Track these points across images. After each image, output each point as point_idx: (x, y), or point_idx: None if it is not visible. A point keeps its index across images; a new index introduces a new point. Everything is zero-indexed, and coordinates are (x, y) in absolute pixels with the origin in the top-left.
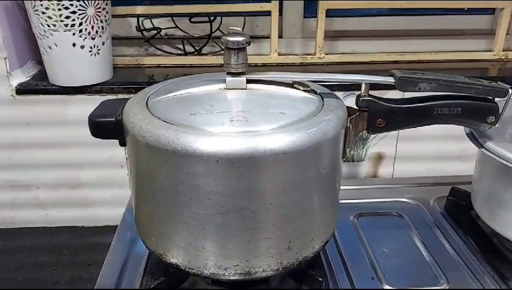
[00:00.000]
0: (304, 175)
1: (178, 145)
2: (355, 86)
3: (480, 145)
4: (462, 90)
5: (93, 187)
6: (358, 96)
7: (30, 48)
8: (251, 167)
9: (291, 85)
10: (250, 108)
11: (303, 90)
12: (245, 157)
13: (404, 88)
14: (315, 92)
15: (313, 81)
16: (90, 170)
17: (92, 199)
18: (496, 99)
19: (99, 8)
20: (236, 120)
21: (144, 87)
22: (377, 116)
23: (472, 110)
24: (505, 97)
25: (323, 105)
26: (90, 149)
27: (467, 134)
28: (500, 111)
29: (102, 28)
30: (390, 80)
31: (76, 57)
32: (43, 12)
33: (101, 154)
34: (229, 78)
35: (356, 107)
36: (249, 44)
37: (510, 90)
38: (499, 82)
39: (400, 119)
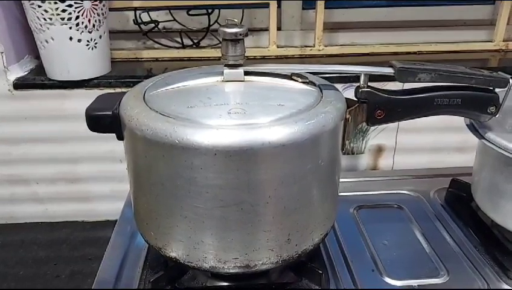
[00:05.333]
0: (303, 168)
1: (176, 139)
2: (355, 78)
3: (480, 136)
4: (463, 81)
5: (93, 182)
6: (358, 87)
7: (27, 42)
8: (249, 160)
9: (289, 77)
10: (248, 100)
11: (301, 82)
12: (243, 150)
13: (403, 79)
14: (314, 84)
15: (311, 73)
16: (89, 164)
17: (91, 194)
18: (497, 89)
19: (96, 1)
20: (234, 112)
21: (142, 81)
22: (376, 108)
23: (472, 101)
24: (505, 87)
25: (321, 97)
26: (89, 143)
27: (467, 125)
28: (500, 101)
29: (99, 21)
30: (389, 70)
31: (73, 50)
32: (39, 6)
33: (100, 148)
34: (226, 70)
35: (355, 99)
36: (247, 35)
37: (511, 80)
38: (499, 72)
39: (399, 111)
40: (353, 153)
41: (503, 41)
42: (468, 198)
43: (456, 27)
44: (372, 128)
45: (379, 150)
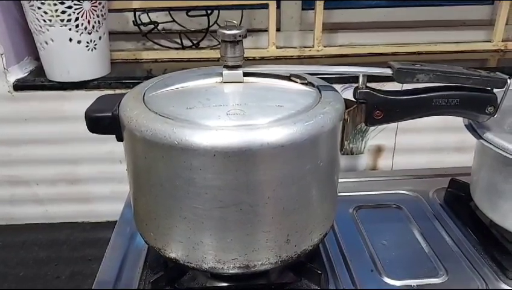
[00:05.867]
0: (302, 168)
1: (175, 140)
2: (354, 78)
3: (479, 137)
4: (460, 81)
5: (93, 183)
6: (356, 88)
7: (27, 43)
8: (248, 161)
9: (288, 78)
10: (247, 101)
11: (300, 83)
12: (242, 151)
13: (401, 80)
14: (312, 85)
15: (310, 74)
16: (89, 165)
17: (91, 195)
18: (495, 90)
19: (95, 2)
20: (233, 113)
21: (142, 82)
22: (375, 108)
23: (470, 101)
24: (503, 88)
25: (320, 97)
26: (89, 144)
27: (465, 125)
28: (498, 101)
29: (99, 22)
30: (388, 71)
31: (73, 52)
32: (39, 8)
33: (100, 149)
34: (225, 72)
35: (354, 100)
36: (245, 37)
37: (508, 80)
38: (497, 72)
39: (398, 111)
40: (352, 154)
41: (502, 41)
42: (467, 198)
43: (456, 27)
44: (372, 128)
45: (378, 150)
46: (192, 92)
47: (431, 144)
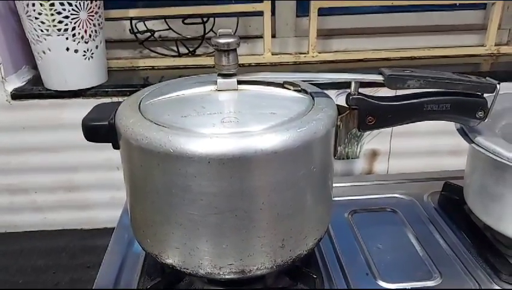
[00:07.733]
0: (295, 174)
1: (170, 148)
2: (348, 84)
3: (470, 141)
4: (450, 87)
5: (91, 190)
6: (348, 94)
7: (24, 53)
8: (242, 168)
9: (282, 85)
10: (241, 109)
11: (294, 90)
12: (236, 157)
13: (393, 86)
14: (306, 92)
15: (303, 81)
16: (87, 172)
17: (89, 202)
18: (485, 94)
19: (92, 11)
20: (227, 121)
21: (139, 90)
22: (367, 114)
23: (461, 106)
24: (493, 92)
25: (313, 104)
26: (87, 152)
27: (457, 129)
28: (489, 106)
29: (96, 31)
30: (379, 78)
31: (70, 61)
32: (36, 18)
33: (97, 157)
34: (220, 80)
35: (347, 106)
36: (239, 45)
37: (498, 85)
38: (487, 77)
39: (390, 117)
40: (348, 158)
41: (495, 45)
42: (460, 201)
43: (449, 32)
44: (367, 133)
45: (374, 155)
46: (187, 100)
47: (426, 147)
